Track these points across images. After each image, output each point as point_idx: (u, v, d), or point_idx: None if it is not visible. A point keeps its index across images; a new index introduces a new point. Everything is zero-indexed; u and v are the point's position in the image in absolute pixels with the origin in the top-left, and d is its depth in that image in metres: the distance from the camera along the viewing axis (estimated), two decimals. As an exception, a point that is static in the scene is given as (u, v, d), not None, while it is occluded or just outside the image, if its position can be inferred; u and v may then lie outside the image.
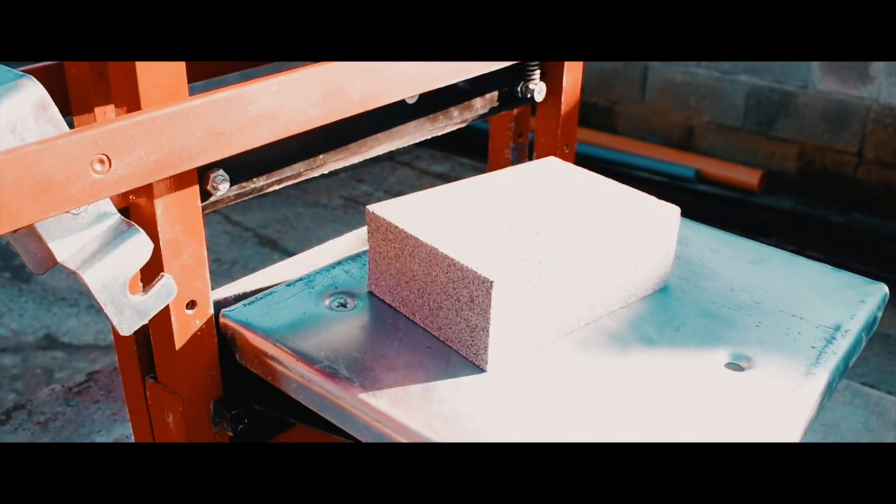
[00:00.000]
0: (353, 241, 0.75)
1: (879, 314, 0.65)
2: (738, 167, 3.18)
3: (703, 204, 3.10)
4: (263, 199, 2.92)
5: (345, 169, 3.09)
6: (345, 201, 2.65)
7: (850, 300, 0.64)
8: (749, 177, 3.13)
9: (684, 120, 3.28)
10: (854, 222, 2.95)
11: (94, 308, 1.94)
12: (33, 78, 0.48)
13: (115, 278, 0.49)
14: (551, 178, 0.66)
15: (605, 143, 3.39)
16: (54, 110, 0.48)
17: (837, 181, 3.05)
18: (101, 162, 0.45)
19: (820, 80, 2.96)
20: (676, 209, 0.63)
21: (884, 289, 0.66)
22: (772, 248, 0.72)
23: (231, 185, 0.58)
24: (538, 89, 0.78)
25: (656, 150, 3.29)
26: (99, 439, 1.05)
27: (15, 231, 0.49)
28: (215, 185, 0.56)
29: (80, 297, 1.99)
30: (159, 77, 0.50)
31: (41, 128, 0.47)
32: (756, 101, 3.09)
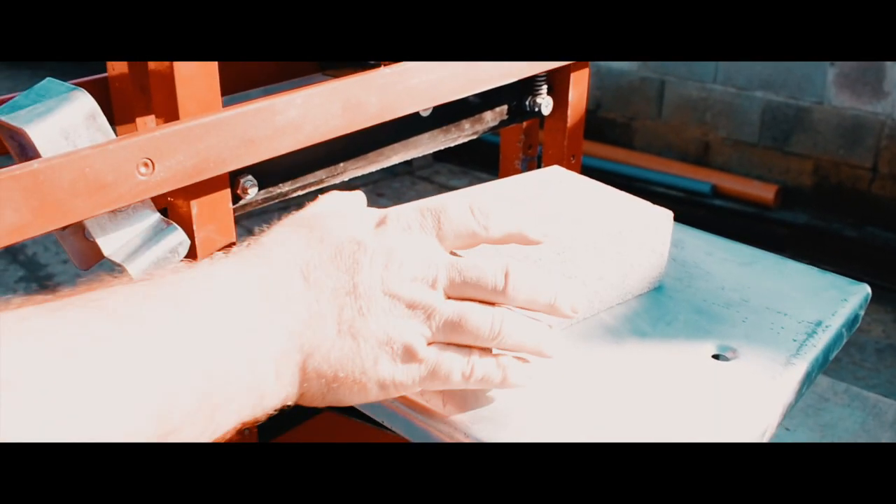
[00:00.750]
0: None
1: (861, 312, 0.70)
2: (753, 182, 3.21)
3: (718, 218, 3.13)
4: (285, 213, 3.00)
5: (365, 183, 3.16)
6: (364, 215, 2.70)
7: (833, 299, 0.68)
8: (764, 192, 3.16)
9: (700, 136, 3.32)
10: (868, 237, 2.97)
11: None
12: (84, 90, 0.54)
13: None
14: (554, 184, 0.71)
15: (622, 158, 3.43)
16: (103, 119, 0.54)
17: (852, 196, 3.07)
18: (146, 165, 0.50)
19: (835, 95, 2.99)
20: (669, 213, 0.68)
21: (866, 289, 0.71)
22: (763, 251, 0.76)
23: (259, 190, 0.63)
24: (545, 103, 0.83)
25: (673, 166, 3.34)
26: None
27: (66, 227, 0.55)
28: (244, 189, 0.62)
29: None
30: (196, 90, 0.56)
31: (91, 135, 0.53)
32: (771, 116, 3.12)
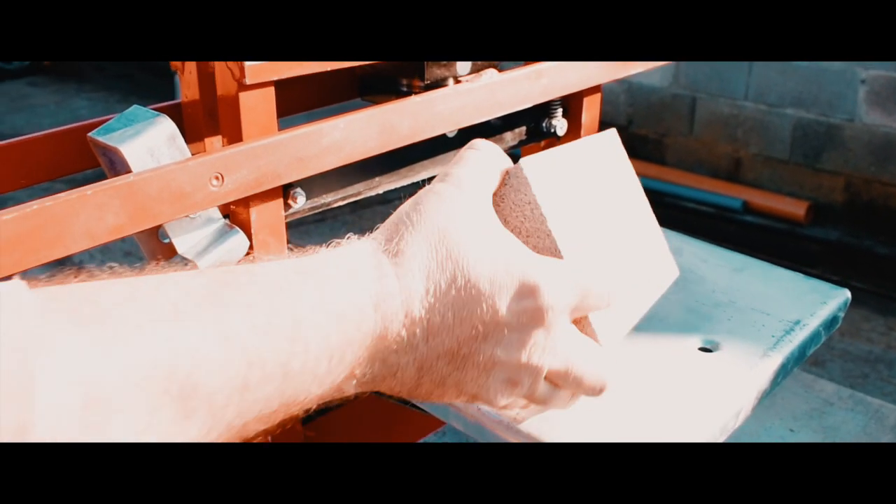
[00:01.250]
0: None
1: (841, 314, 0.78)
2: (785, 198, 3.25)
3: (750, 234, 3.18)
4: (322, 225, 3.11)
5: (399, 196, 3.28)
6: (400, 226, 2.81)
7: (814, 301, 0.77)
8: (796, 208, 3.20)
9: (732, 152, 3.38)
10: (900, 253, 3.00)
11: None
12: (167, 116, 0.64)
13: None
14: (612, 177, 0.63)
15: (654, 174, 3.49)
16: (181, 140, 0.64)
17: (884, 213, 3.10)
18: (217, 178, 0.61)
19: (866, 113, 3.03)
20: (676, 272, 0.66)
21: (846, 293, 0.79)
22: (755, 259, 0.84)
23: (306, 200, 0.74)
24: (560, 125, 0.93)
25: (704, 182, 3.39)
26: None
27: (146, 229, 0.65)
28: (294, 199, 0.72)
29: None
30: (257, 115, 0.66)
31: (171, 153, 0.64)
32: (802, 133, 3.17)
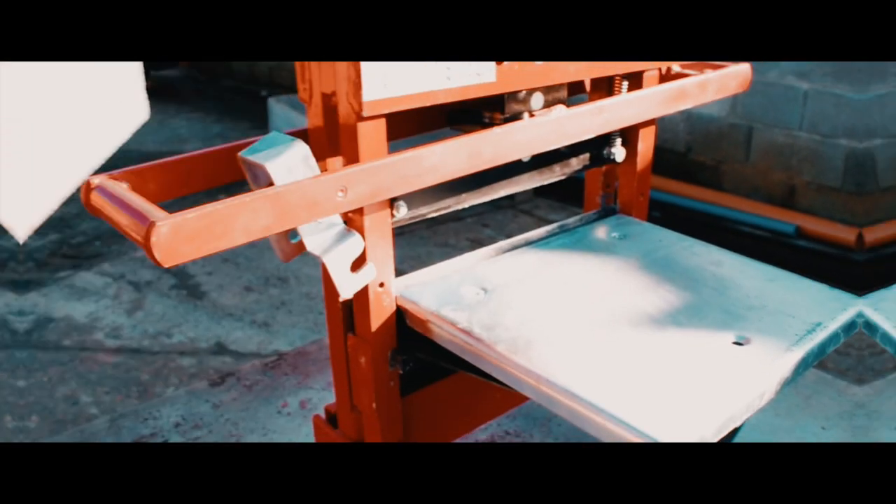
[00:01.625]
0: (487, 252, 1.05)
1: (860, 321, 0.90)
2: (836, 225, 3.32)
3: (802, 258, 3.25)
4: (399, 240, 3.27)
5: (471, 214, 3.44)
6: (470, 243, 2.98)
7: (836, 308, 0.89)
8: (847, 234, 3.27)
9: (786, 179, 3.46)
10: (954, 282, 3.03)
11: (257, 323, 2.32)
12: (301, 140, 0.81)
13: (342, 262, 0.81)
14: None
15: (711, 199, 3.58)
16: (313, 160, 0.80)
17: (937, 242, 3.13)
18: (342, 191, 0.77)
19: (920, 144, 3.08)
20: None
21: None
22: (787, 272, 0.97)
23: (407, 210, 0.89)
24: (619, 153, 1.07)
25: (759, 207, 3.47)
26: (289, 400, 1.39)
27: (281, 231, 0.81)
28: (398, 209, 0.88)
29: (245, 314, 2.37)
30: (371, 141, 0.82)
31: (305, 171, 0.80)
32: (855, 163, 3.24)
